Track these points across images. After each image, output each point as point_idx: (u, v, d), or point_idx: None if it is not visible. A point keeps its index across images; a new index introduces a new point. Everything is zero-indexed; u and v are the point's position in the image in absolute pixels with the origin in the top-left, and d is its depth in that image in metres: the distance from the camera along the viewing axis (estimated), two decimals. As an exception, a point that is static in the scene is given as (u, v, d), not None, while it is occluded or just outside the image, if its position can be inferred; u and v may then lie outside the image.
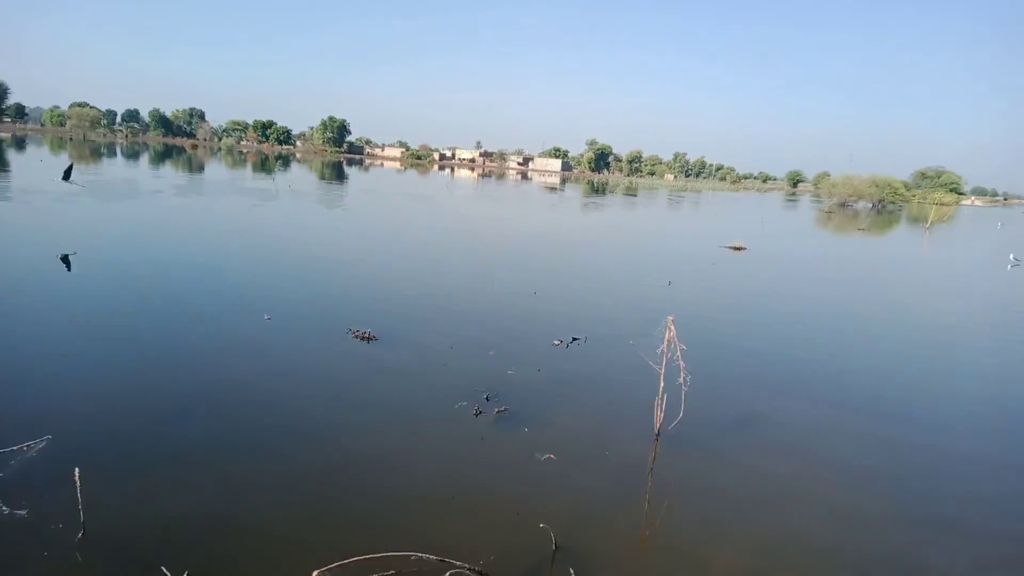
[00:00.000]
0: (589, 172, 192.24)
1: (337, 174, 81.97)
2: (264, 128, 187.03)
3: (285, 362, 10.33)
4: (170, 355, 10.27)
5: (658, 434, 8.52)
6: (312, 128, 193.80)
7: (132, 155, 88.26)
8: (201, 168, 70.47)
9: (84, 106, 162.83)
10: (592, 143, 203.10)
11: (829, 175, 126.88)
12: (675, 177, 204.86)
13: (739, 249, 29.18)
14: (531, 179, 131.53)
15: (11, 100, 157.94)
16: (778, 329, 15.83)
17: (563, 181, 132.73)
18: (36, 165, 51.89)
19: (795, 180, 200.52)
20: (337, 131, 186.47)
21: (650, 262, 25.72)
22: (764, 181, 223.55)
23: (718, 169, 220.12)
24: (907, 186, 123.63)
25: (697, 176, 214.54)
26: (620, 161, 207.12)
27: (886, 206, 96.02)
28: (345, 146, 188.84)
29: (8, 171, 44.71)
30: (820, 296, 20.65)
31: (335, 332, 11.83)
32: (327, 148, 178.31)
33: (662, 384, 8.44)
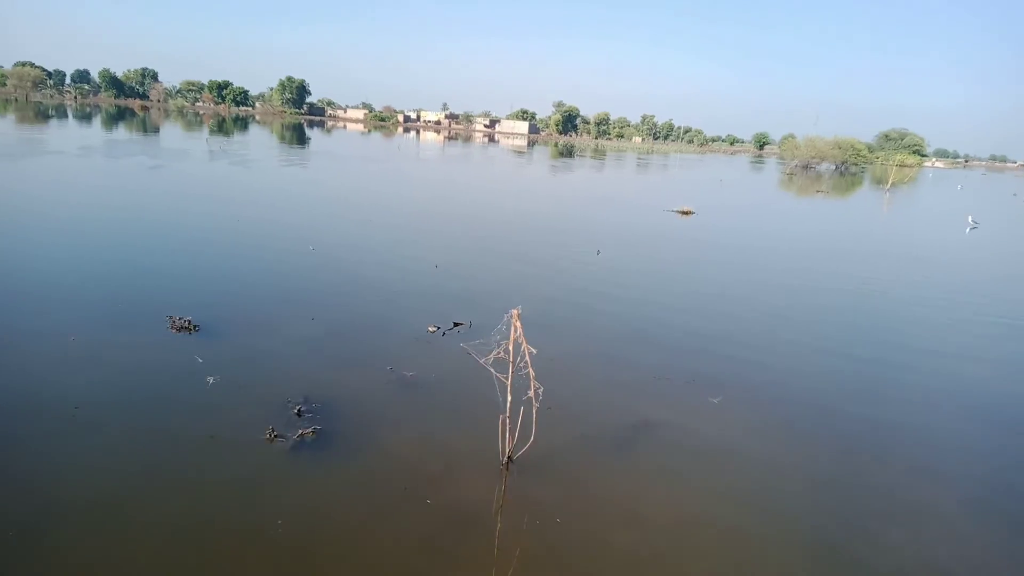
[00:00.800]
0: (557, 135, 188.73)
1: (296, 137, 78.06)
2: (220, 89, 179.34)
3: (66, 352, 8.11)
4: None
5: (507, 461, 6.55)
6: (271, 89, 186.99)
7: (82, 117, 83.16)
8: (154, 129, 66.27)
9: (27, 65, 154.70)
10: (559, 105, 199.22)
11: (795, 137, 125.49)
12: (643, 140, 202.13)
13: (686, 213, 27.24)
14: (498, 142, 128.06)
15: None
16: (697, 308, 13.57)
17: (530, 144, 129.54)
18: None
19: (761, 143, 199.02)
20: (296, 92, 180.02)
21: (589, 229, 23.64)
22: (731, 144, 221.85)
23: (686, 132, 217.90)
24: (870, 148, 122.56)
25: (665, 139, 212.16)
26: (588, 123, 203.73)
27: (849, 168, 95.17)
28: (305, 107, 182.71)
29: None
30: (758, 267, 18.73)
31: (153, 319, 9.60)
32: (286, 109, 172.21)
33: (509, 397, 6.44)
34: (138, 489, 5.70)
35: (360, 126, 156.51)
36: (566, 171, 57.48)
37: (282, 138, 72.75)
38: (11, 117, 68.94)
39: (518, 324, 6.17)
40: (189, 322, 9.46)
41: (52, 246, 14.06)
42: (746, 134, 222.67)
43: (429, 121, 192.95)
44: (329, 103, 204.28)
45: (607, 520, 5.85)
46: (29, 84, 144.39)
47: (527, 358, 6.16)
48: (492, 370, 6.37)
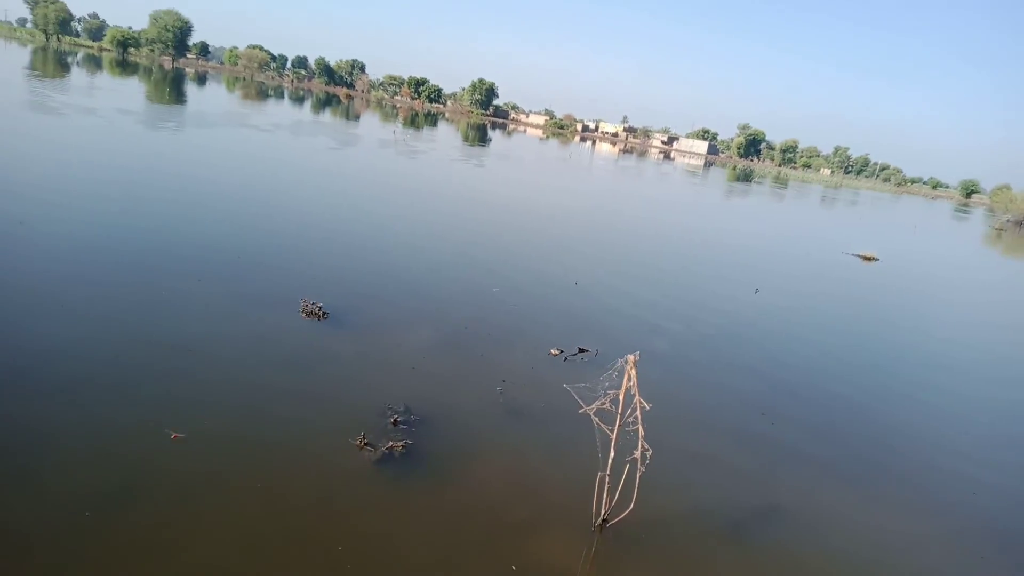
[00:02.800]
0: (737, 158, 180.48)
1: (480, 137, 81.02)
2: (418, 85, 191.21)
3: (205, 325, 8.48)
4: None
5: (600, 525, 5.79)
6: (463, 89, 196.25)
7: (296, 99, 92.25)
8: (354, 116, 71.92)
9: (257, 48, 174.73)
10: (744, 127, 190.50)
11: (1010, 188, 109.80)
12: (832, 173, 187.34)
13: (869, 259, 24.37)
14: (673, 159, 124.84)
15: (196, 38, 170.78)
16: (856, 374, 11.87)
17: (707, 165, 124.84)
18: (205, 100, 54.67)
19: (969, 190, 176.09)
20: (485, 94, 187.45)
21: (753, 264, 21.87)
22: (934, 188, 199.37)
23: (882, 169, 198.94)
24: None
25: (858, 174, 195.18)
26: (773, 149, 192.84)
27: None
28: (491, 109, 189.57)
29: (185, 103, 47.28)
30: (942, 333, 16.14)
31: (286, 301, 9.85)
32: (473, 109, 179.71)
33: (612, 454, 5.67)
34: (222, 475, 5.64)
35: (539, 131, 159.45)
36: (740, 196, 54.37)
37: (466, 137, 75.63)
38: (237, 93, 77.63)
39: (633, 372, 5.39)
40: (320, 308, 9.61)
41: (211, 220, 15.13)
42: (952, 179, 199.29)
43: (607, 132, 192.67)
44: (514, 107, 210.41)
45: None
46: (256, 65, 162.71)
47: (638, 412, 5.37)
48: (596, 420, 5.64)
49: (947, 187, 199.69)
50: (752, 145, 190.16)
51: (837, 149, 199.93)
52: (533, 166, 50.21)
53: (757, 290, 16.33)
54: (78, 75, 58.52)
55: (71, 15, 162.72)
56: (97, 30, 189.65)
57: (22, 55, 77.46)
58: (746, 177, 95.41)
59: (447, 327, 10.13)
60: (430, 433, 6.81)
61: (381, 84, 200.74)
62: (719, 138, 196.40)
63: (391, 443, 6.42)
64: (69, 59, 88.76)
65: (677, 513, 6.29)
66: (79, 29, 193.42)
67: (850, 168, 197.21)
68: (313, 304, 9.68)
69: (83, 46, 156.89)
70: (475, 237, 17.59)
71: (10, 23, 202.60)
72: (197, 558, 4.67)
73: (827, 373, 11.39)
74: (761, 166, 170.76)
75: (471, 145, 62.45)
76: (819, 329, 14.38)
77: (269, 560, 4.80)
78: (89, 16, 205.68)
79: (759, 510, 6.60)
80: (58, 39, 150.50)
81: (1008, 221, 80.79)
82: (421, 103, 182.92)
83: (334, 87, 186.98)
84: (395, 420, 6.89)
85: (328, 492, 5.67)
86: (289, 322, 9.15)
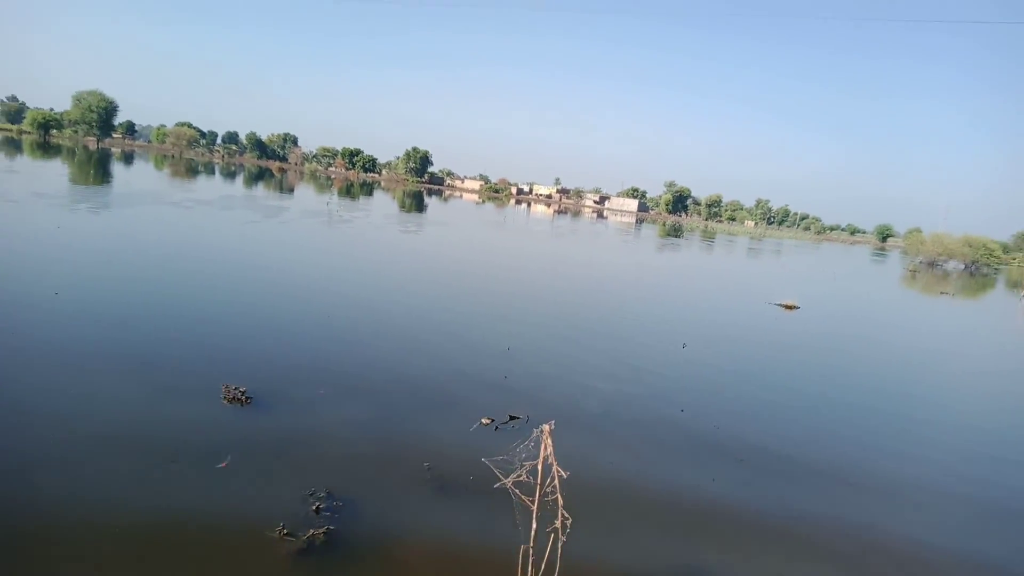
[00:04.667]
0: (666, 214, 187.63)
1: (416, 204, 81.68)
2: (352, 156, 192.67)
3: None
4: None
5: (523, 605, 5.76)
6: (397, 158, 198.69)
7: (228, 175, 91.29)
8: (288, 189, 71.48)
9: (185, 126, 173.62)
10: (671, 185, 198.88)
11: (921, 231, 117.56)
12: (756, 224, 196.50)
13: (790, 308, 25.48)
14: (606, 218, 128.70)
15: (122, 118, 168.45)
16: (780, 423, 12.33)
17: (639, 221, 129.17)
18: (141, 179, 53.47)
19: (884, 234, 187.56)
20: (420, 161, 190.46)
21: (681, 316, 22.55)
22: (852, 234, 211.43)
23: (803, 218, 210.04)
24: (1006, 248, 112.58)
25: (780, 224, 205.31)
26: (699, 205, 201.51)
27: (980, 268, 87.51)
28: (427, 176, 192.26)
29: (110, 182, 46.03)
30: (862, 378, 16.93)
31: (205, 387, 9.59)
32: (408, 177, 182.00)
33: (534, 526, 5.70)
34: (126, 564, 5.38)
35: (475, 196, 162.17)
36: (670, 250, 56.26)
37: (402, 204, 76.24)
38: (165, 171, 76.44)
39: (549, 442, 5.48)
40: (243, 392, 9.39)
41: (121, 301, 14.71)
42: (868, 224, 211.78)
43: (541, 195, 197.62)
44: (448, 173, 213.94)
45: None
46: (184, 143, 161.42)
47: (556, 482, 5.44)
48: (516, 492, 5.67)
49: (864, 232, 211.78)
50: (679, 201, 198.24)
51: (759, 201, 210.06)
52: (469, 230, 50.87)
53: (684, 345, 16.81)
54: (-7, 160, 56.63)
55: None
56: (16, 113, 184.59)
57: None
58: (675, 232, 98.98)
59: (376, 403, 10.04)
60: (354, 517, 6.69)
61: (315, 156, 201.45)
62: (648, 195, 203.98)
63: (312, 531, 6.27)
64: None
65: (604, 580, 6.30)
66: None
67: (772, 219, 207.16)
68: (235, 389, 9.45)
69: (1, 130, 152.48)
70: (406, 306, 17.60)
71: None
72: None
73: (752, 424, 11.73)
74: (689, 221, 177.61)
75: (407, 212, 62.96)
76: (744, 379, 14.85)
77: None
78: (7, 99, 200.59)
79: (687, 572, 6.68)
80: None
81: (920, 262, 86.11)
82: (356, 173, 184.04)
83: (267, 161, 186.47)
84: (317, 507, 6.74)
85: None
86: (209, 409, 8.91)
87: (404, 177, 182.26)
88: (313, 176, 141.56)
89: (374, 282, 21.22)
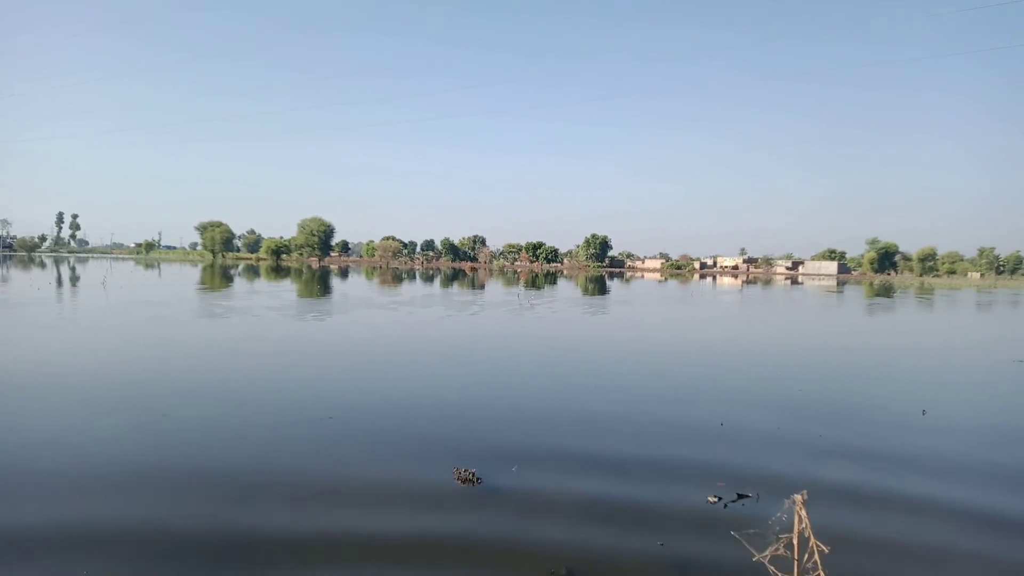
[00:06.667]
0: (872, 273, 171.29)
1: (598, 287, 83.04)
2: (535, 249, 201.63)
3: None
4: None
5: None
6: (577, 246, 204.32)
7: (427, 278, 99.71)
8: (480, 286, 76.37)
9: (390, 239, 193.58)
10: (873, 242, 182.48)
11: None
12: (982, 275, 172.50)
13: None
14: (802, 284, 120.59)
15: (338, 238, 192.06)
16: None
17: (840, 284, 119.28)
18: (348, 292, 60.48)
19: None
20: (599, 247, 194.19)
21: (915, 380, 20.08)
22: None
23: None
24: None
25: (1012, 273, 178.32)
26: (909, 260, 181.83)
27: None
28: (607, 260, 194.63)
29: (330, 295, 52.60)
30: None
31: (436, 469, 10.15)
32: (589, 264, 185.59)
33: (793, 609, 5.21)
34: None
35: (657, 274, 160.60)
36: (884, 311, 50.94)
37: (585, 289, 77.55)
38: (375, 281, 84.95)
39: (803, 513, 5.08)
40: (473, 474, 9.82)
41: (357, 389, 16.09)
42: None
43: (726, 266, 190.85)
44: (628, 255, 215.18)
45: None
46: (390, 254, 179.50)
47: (816, 557, 4.98)
48: (771, 568, 5.27)
49: None
50: (886, 258, 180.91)
51: (982, 251, 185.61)
52: (657, 307, 50.16)
53: (924, 412, 14.92)
54: (240, 283, 66.55)
55: (233, 234, 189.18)
56: (254, 243, 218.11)
57: (194, 273, 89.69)
58: (886, 291, 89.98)
59: (600, 481, 9.97)
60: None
61: (501, 253, 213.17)
62: (847, 255, 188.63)
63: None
64: (232, 271, 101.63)
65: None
66: (239, 245, 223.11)
67: (1002, 268, 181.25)
68: (465, 471, 9.92)
69: (243, 259, 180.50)
70: (614, 385, 17.54)
71: (184, 247, 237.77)
72: None
73: (1008, 489, 9.95)
74: (900, 278, 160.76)
75: (590, 295, 63.74)
76: (994, 449, 12.75)
77: None
78: (247, 232, 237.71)
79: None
80: (223, 256, 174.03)
81: None
82: (540, 265, 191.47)
83: (459, 262, 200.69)
84: (559, 585, 6.73)
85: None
86: (445, 488, 9.40)
87: (585, 264, 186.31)
88: (501, 271, 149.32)
89: (577, 363, 21.47)
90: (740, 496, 9.32)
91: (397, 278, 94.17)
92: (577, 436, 12.56)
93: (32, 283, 55.33)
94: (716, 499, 9.21)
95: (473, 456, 10.73)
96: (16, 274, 73.02)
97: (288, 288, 61.63)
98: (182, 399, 14.39)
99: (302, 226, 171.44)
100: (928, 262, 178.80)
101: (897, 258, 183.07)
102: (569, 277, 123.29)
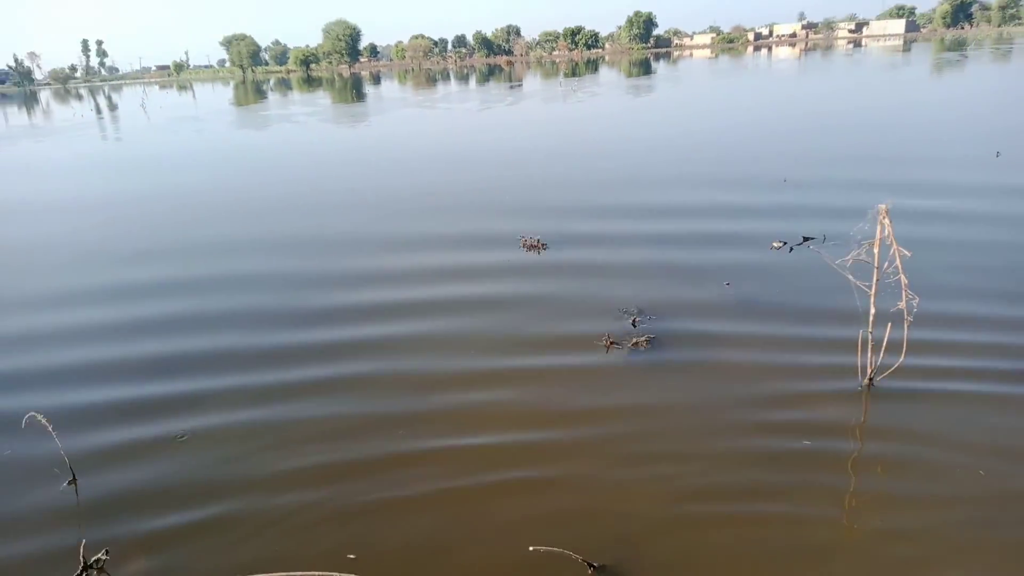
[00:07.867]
0: (943, 29, 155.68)
1: (643, 70, 78.61)
2: (573, 35, 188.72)
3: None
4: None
5: (869, 383, 5.63)
6: (619, 27, 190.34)
7: (462, 77, 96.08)
8: (518, 80, 73.36)
9: (419, 37, 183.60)
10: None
11: None
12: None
13: None
14: (865, 47, 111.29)
15: (365, 41, 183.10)
16: None
17: (907, 44, 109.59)
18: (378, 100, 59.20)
19: None
20: (643, 26, 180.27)
21: (987, 125, 19.09)
22: None
23: None
24: None
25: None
26: (988, 10, 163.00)
27: None
28: (652, 41, 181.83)
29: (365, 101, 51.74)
30: None
31: (506, 239, 10.54)
32: (633, 46, 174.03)
33: (872, 309, 5.46)
34: (503, 372, 6.33)
35: (707, 51, 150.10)
36: (951, 67, 47.01)
37: (628, 74, 73.61)
38: (408, 84, 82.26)
39: (886, 221, 5.15)
40: (539, 240, 10.18)
41: (414, 180, 16.32)
42: None
43: (783, 35, 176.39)
44: (675, 32, 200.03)
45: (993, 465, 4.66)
46: (421, 54, 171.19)
47: (897, 262, 5.12)
48: (850, 276, 5.46)
49: None
50: (960, 10, 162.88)
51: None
52: (702, 81, 47.61)
53: (998, 154, 14.34)
54: (274, 98, 65.50)
55: (259, 46, 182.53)
56: (281, 54, 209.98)
57: (226, 92, 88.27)
58: (958, 46, 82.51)
59: (660, 238, 10.24)
60: (670, 328, 7.02)
61: (538, 43, 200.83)
62: (917, 12, 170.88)
63: (635, 340, 6.73)
64: (264, 87, 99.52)
65: (949, 366, 5.90)
66: (266, 58, 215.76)
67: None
68: (531, 238, 10.27)
69: (273, 72, 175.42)
70: (670, 151, 17.36)
71: (212, 66, 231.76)
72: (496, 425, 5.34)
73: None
74: (976, 32, 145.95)
75: (633, 77, 60.78)
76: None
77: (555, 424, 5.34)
78: (273, 43, 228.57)
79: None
80: (252, 70, 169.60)
81: None
82: (580, 52, 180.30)
83: (494, 58, 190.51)
84: (633, 321, 7.19)
85: (593, 381, 6.13)
86: (514, 255, 9.84)
87: (628, 47, 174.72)
88: (539, 63, 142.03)
89: (630, 134, 21.04)
90: (805, 239, 9.46)
91: (431, 80, 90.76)
92: (635, 202, 12.69)
93: (79, 113, 55.68)
94: (781, 244, 9.38)
95: (538, 226, 11.03)
96: (56, 107, 73.29)
97: (323, 97, 60.42)
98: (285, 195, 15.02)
99: (327, 31, 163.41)
100: (1008, 9, 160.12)
101: (974, 8, 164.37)
102: (611, 63, 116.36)
